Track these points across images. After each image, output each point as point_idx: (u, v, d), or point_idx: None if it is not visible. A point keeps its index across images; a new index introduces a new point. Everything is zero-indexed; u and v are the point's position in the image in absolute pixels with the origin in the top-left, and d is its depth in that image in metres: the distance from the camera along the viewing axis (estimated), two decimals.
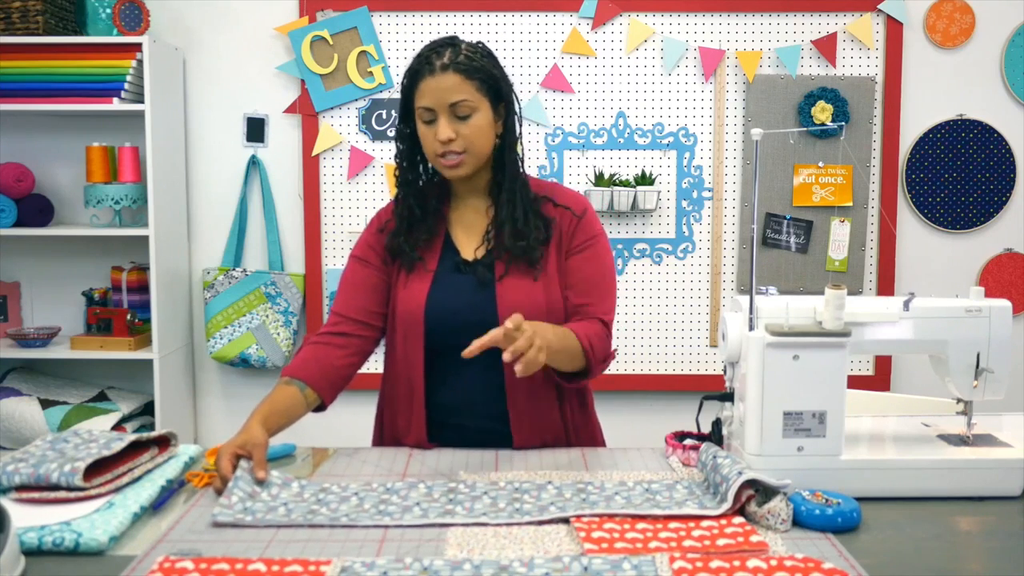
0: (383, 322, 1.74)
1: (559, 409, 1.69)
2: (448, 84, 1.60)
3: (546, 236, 1.68)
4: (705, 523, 1.26)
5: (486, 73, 1.63)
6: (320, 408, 1.67)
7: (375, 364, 1.79)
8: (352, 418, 2.11)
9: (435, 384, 1.69)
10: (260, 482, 1.38)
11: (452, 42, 1.65)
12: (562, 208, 1.72)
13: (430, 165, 1.72)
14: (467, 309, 1.65)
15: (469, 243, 1.72)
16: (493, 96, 1.65)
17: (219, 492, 1.39)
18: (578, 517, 1.28)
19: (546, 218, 1.69)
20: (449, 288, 1.68)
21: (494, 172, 1.71)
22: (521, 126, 1.72)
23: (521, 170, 1.71)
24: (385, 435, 1.78)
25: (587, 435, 1.76)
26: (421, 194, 1.73)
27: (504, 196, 1.68)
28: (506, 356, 1.39)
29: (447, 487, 1.41)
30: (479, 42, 1.68)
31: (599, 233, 1.73)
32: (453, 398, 1.69)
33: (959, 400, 1.52)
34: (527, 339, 1.41)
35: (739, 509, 1.30)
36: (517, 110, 1.70)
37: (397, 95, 3.07)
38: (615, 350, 1.73)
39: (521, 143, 1.72)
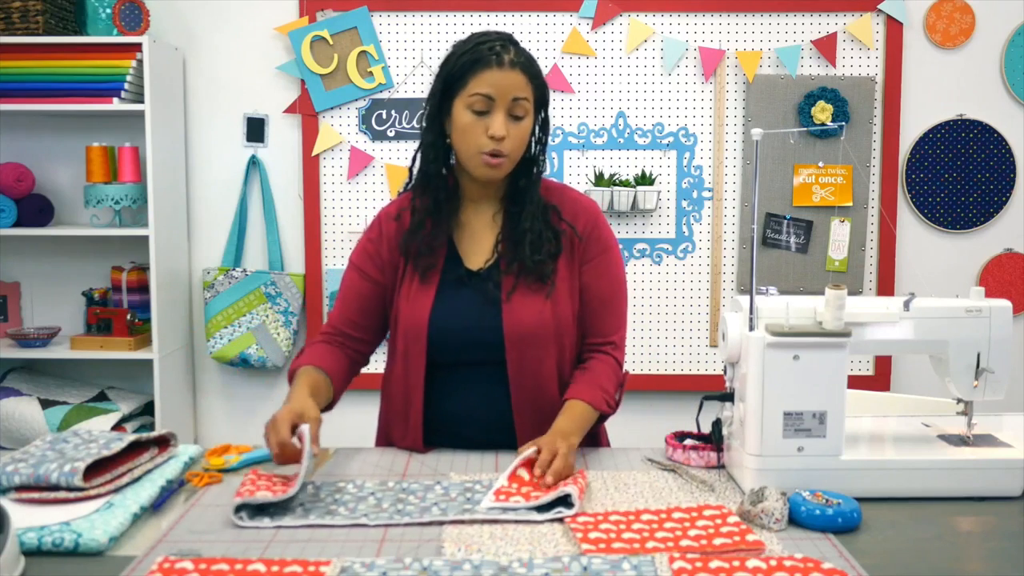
0: (374, 335, 1.73)
1: None
2: (515, 81, 1.55)
3: (557, 250, 1.63)
4: (700, 523, 1.26)
5: (542, 81, 1.60)
6: (327, 407, 1.65)
7: (376, 364, 1.79)
8: (353, 418, 2.11)
9: (436, 395, 1.66)
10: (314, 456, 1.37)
11: (512, 40, 1.59)
12: (568, 223, 1.66)
13: (453, 161, 1.65)
14: (472, 327, 1.61)
15: (475, 251, 1.67)
16: (539, 105, 1.61)
17: (280, 461, 1.37)
18: (573, 517, 1.28)
19: (556, 229, 1.64)
20: (454, 304, 1.63)
21: (513, 178, 1.65)
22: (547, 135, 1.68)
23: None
24: (385, 436, 1.77)
25: (590, 435, 1.75)
26: (440, 190, 1.65)
27: (528, 206, 1.63)
28: (548, 480, 1.37)
29: (463, 487, 1.40)
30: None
31: (610, 245, 1.69)
32: (454, 409, 1.66)
33: (959, 400, 1.52)
34: (555, 454, 1.42)
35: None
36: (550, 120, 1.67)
37: (397, 95, 3.09)
38: (626, 372, 1.71)
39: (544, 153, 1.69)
